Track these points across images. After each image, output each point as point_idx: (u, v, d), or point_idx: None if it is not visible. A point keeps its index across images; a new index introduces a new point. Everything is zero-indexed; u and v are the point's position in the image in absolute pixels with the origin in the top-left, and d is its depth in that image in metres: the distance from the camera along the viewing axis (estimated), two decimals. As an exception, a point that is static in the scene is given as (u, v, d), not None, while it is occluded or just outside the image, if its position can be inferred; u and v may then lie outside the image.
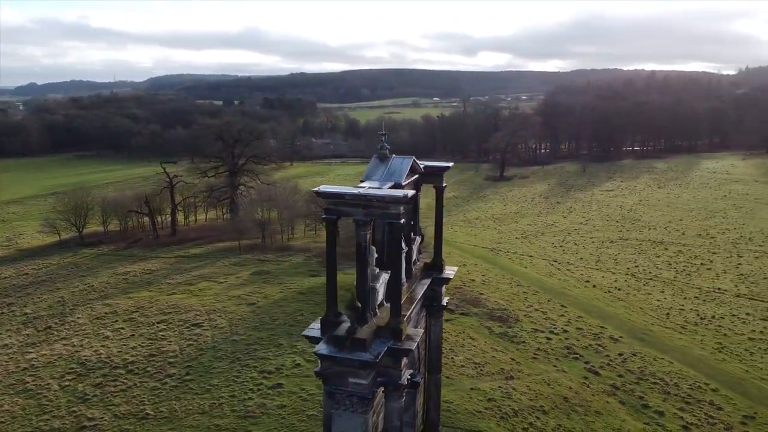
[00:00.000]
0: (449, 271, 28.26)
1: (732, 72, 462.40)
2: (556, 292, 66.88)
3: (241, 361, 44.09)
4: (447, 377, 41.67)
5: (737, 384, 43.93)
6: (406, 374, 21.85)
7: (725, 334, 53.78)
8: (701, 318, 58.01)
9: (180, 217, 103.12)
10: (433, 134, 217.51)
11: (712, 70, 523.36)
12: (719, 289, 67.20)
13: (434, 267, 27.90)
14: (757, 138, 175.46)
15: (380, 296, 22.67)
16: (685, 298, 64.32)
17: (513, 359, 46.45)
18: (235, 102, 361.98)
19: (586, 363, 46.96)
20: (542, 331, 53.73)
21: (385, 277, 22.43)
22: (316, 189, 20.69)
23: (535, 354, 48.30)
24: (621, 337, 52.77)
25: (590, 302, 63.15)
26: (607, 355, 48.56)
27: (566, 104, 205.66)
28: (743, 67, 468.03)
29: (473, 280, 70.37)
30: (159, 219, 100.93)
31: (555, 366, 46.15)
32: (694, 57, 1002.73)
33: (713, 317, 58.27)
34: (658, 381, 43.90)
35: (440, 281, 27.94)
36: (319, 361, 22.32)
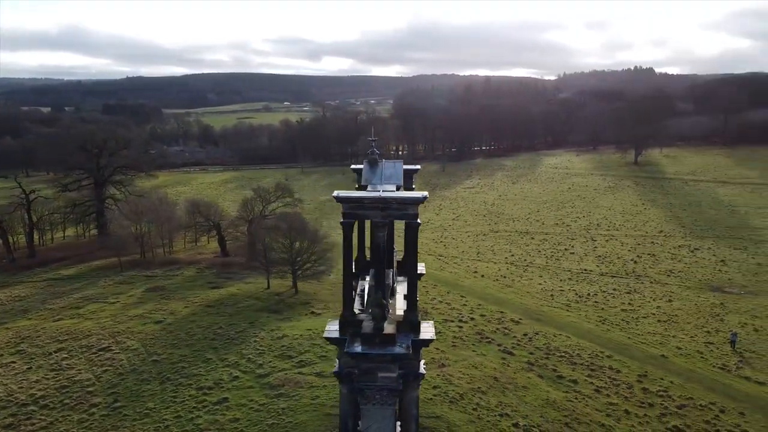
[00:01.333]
0: (427, 328, 22.46)
1: (553, 77, 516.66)
2: (452, 284, 71.37)
3: (172, 381, 41.97)
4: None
5: (624, 349, 50.75)
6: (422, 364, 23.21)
7: (602, 308, 61.49)
8: (579, 296, 65.60)
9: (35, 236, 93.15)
10: (293, 139, 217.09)
11: (535, 76, 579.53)
12: (586, 270, 76.16)
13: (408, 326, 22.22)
14: (584, 137, 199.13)
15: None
16: (561, 281, 72.03)
17: (437, 348, 49.27)
18: (66, 108, 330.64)
19: (499, 345, 51.20)
20: (452, 321, 57.39)
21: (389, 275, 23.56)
22: (335, 194, 21.33)
23: (453, 342, 51.62)
24: (520, 319, 58.08)
25: (484, 291, 68.38)
26: (515, 336, 53.30)
27: (420, 107, 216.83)
28: (561, 73, 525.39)
29: (373, 280, 72.59)
30: (10, 239, 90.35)
31: (474, 351, 49.77)
32: (517, 64, 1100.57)
33: (588, 295, 66.17)
34: (563, 354, 49.32)
35: (418, 344, 21.78)
36: (337, 362, 23.01)
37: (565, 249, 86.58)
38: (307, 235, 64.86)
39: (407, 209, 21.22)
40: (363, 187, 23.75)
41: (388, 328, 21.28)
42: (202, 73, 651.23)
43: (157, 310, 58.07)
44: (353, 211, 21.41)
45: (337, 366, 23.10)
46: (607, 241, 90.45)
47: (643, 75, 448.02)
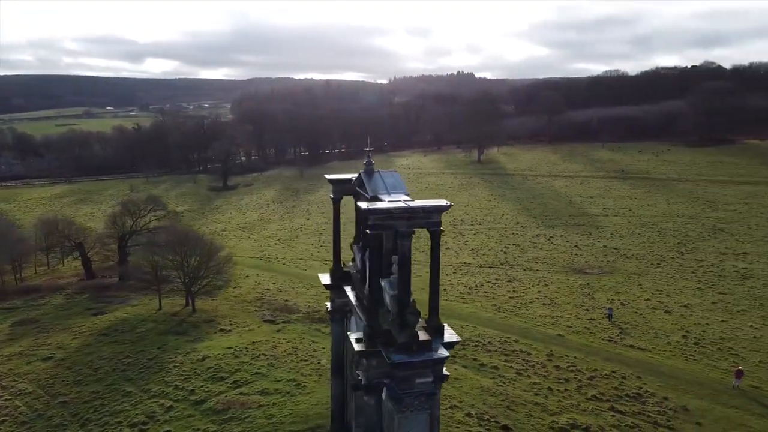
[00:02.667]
0: (449, 331, 23.16)
1: (385, 81, 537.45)
2: (348, 287, 72.17)
3: (94, 422, 37.68)
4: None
5: (526, 333, 55.64)
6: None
7: (493, 298, 66.51)
8: (469, 288, 70.17)
9: None
10: (132, 147, 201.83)
11: (368, 80, 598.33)
12: (465, 263, 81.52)
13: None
14: (428, 138, 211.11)
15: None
16: (446, 275, 76.18)
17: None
18: None
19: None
20: (364, 323, 58.32)
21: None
22: (365, 207, 21.34)
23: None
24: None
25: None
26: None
27: (271, 111, 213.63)
28: (393, 77, 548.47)
29: (268, 289, 70.98)
30: None
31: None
32: (348, 68, 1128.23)
33: (476, 286, 71.05)
34: (476, 343, 52.73)
35: (448, 347, 22.40)
36: (368, 372, 22.93)
37: (442, 244, 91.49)
38: (201, 249, 61.51)
39: (431, 217, 22.04)
40: (374, 198, 23.91)
41: (423, 335, 21.85)
42: (4, 75, 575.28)
43: (38, 345, 51.36)
44: (382, 222, 21.66)
45: (365, 377, 23.02)
46: (474, 235, 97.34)
47: (465, 79, 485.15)
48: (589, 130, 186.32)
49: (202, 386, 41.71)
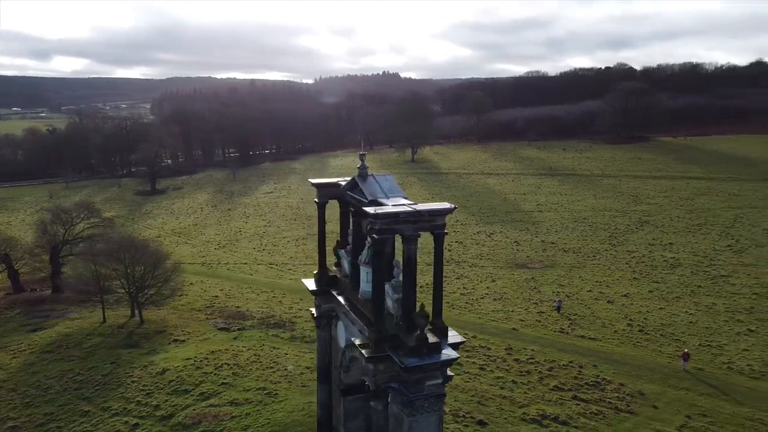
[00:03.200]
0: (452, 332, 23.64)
1: (310, 81, 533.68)
2: (298, 291, 71.14)
3: (54, 446, 35.39)
4: (304, 386, 42.38)
5: (482, 329, 57.03)
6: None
7: (445, 294, 67.41)
8: (420, 287, 70.77)
9: None
10: (48, 150, 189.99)
11: (293, 79, 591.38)
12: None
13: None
14: (360, 138, 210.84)
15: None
16: (396, 275, 76.93)
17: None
18: None
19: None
20: (322, 327, 57.79)
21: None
22: (373, 211, 21.22)
23: (336, 347, 52.24)
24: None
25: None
26: None
27: (195, 112, 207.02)
28: (318, 77, 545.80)
29: (216, 296, 68.99)
30: None
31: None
32: (271, 67, 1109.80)
33: (426, 284, 71.89)
34: (437, 341, 53.53)
35: (455, 347, 22.56)
36: (375, 377, 22.79)
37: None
38: (147, 257, 58.91)
39: (436, 220, 22.22)
40: (374, 202, 23.81)
41: (432, 337, 21.99)
42: None
43: (-27, 367, 47.52)
44: (389, 226, 21.64)
45: (373, 382, 22.88)
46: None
47: (391, 79, 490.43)
48: (515, 129, 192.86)
49: (166, 400, 40.02)
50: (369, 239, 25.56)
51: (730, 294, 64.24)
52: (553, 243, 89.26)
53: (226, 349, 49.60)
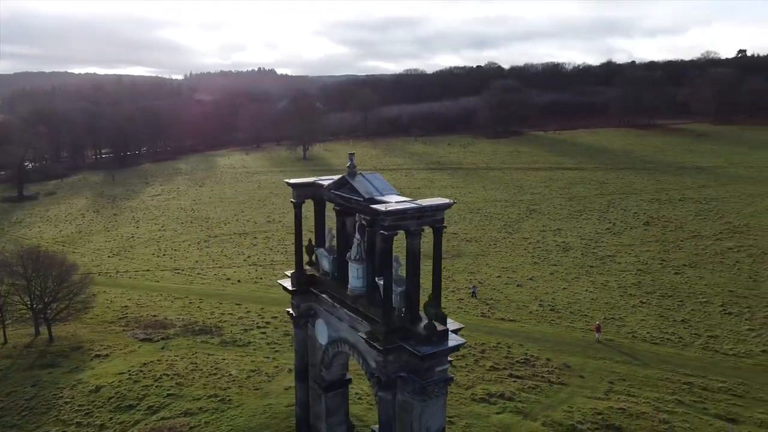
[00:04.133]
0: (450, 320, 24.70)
1: (180, 77, 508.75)
2: (215, 294, 69.22)
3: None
4: (256, 389, 41.61)
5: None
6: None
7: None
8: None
9: None
10: None
11: (161, 75, 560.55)
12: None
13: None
14: (245, 136, 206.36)
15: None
16: (311, 272, 77.09)
17: (270, 358, 48.98)
18: None
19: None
20: (251, 329, 56.87)
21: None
22: (383, 209, 22.01)
23: (275, 348, 51.80)
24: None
25: (255, 294, 68.60)
26: None
27: (61, 111, 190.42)
28: (188, 73, 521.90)
29: (126, 306, 65.14)
30: None
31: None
32: (135, 62, 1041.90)
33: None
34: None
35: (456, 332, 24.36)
36: (385, 368, 23.58)
37: (292, 243, 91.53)
38: (53, 268, 54.40)
39: (436, 215, 23.54)
40: (370, 200, 24.51)
41: (439, 326, 23.27)
42: None
43: None
44: (397, 222, 22.59)
45: (384, 373, 23.64)
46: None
47: (267, 75, 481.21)
48: (400, 126, 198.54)
49: (111, 418, 37.69)
50: (358, 236, 26.35)
51: (618, 272, 71.76)
52: (455, 234, 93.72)
53: (158, 360, 47.38)
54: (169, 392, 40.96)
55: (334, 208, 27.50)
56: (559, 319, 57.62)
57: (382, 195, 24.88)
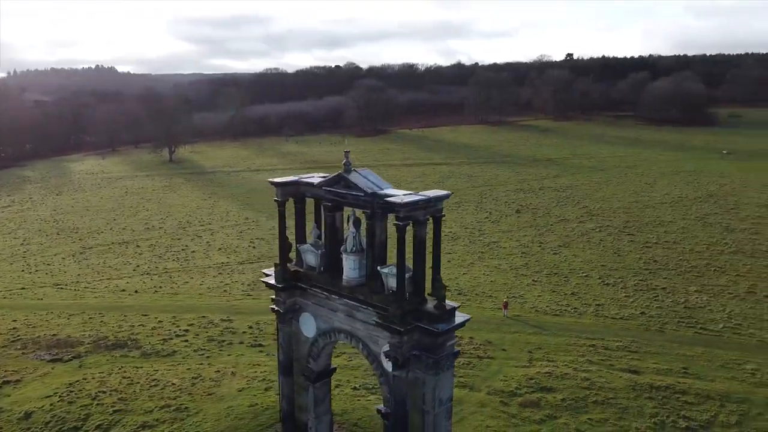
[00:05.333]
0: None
1: (2, 74, 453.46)
2: (114, 307, 65.13)
3: None
4: (209, 395, 40.58)
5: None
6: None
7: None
8: (248, 285, 71.09)
9: None
10: None
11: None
12: (223, 263, 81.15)
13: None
14: (97, 139, 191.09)
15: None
16: (214, 276, 75.23)
17: (204, 364, 47.86)
18: None
19: (242, 343, 53.27)
20: (170, 338, 54.76)
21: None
22: (398, 200, 23.83)
23: (204, 354, 50.60)
24: (228, 317, 60.12)
25: (158, 304, 65.59)
26: (232, 329, 55.88)
27: None
28: (12, 71, 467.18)
29: (15, 329, 59.07)
30: None
31: (241, 353, 50.38)
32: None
33: (252, 282, 72.27)
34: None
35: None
36: (401, 348, 25.35)
37: (184, 248, 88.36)
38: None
39: (438, 205, 25.90)
40: (374, 195, 26.11)
41: (447, 305, 25.62)
42: None
43: None
44: (409, 213, 24.57)
45: (402, 351, 25.38)
46: (211, 235, 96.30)
47: (107, 73, 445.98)
48: (269, 125, 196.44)
49: (60, 443, 35.05)
50: (353, 230, 27.91)
51: (506, 255, 78.99)
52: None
53: (84, 379, 44.35)
54: (114, 408, 38.81)
55: (324, 204, 28.58)
56: (468, 301, 62.44)
57: (382, 189, 26.59)
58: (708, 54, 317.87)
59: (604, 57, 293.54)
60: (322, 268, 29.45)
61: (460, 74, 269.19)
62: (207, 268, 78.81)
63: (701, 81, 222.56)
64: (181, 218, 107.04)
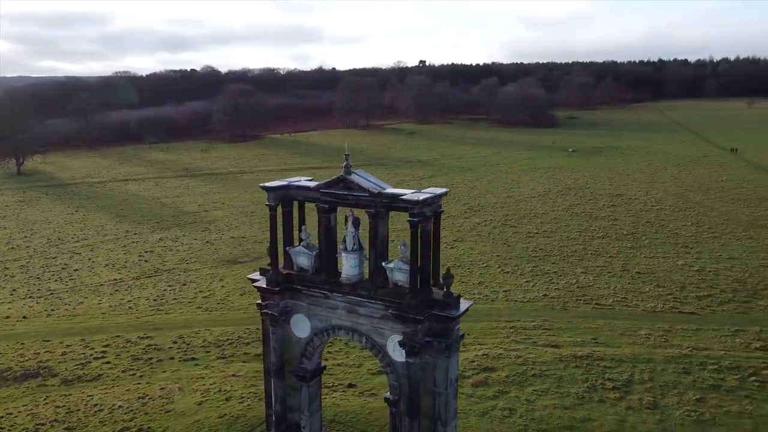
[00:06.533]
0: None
1: None
2: (5, 336, 58.66)
3: None
4: (167, 412, 38.58)
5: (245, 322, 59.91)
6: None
7: (192, 300, 66.61)
8: (155, 300, 67.62)
9: None
10: None
11: None
12: (115, 279, 76.02)
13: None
14: None
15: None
16: (123, 294, 70.42)
17: (141, 384, 45.38)
18: None
19: (172, 359, 51.12)
20: (88, 362, 50.94)
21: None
22: (417, 199, 25.54)
23: (133, 374, 47.90)
24: (145, 335, 57.08)
25: (58, 328, 60.20)
26: (203, 346, 53.55)
27: None
28: None
29: None
30: None
31: (176, 369, 48.26)
32: None
33: (159, 296, 68.83)
34: (231, 341, 54.45)
35: None
36: (416, 336, 27.02)
37: (64, 267, 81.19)
38: None
39: (438, 202, 28.06)
40: (379, 194, 27.53)
41: (454, 293, 27.82)
42: None
43: None
44: (420, 209, 26.46)
45: (420, 336, 27.02)
46: (92, 251, 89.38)
47: None
48: (128, 132, 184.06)
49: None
50: (352, 229, 29.20)
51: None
52: (243, 237, 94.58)
53: (8, 414, 40.18)
54: (75, 428, 35.89)
55: (320, 206, 29.33)
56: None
57: (385, 189, 28.11)
58: (541, 62, 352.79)
59: (453, 64, 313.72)
60: (316, 269, 30.20)
61: (323, 79, 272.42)
62: (99, 285, 73.33)
63: (541, 86, 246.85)
64: (49, 235, 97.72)
